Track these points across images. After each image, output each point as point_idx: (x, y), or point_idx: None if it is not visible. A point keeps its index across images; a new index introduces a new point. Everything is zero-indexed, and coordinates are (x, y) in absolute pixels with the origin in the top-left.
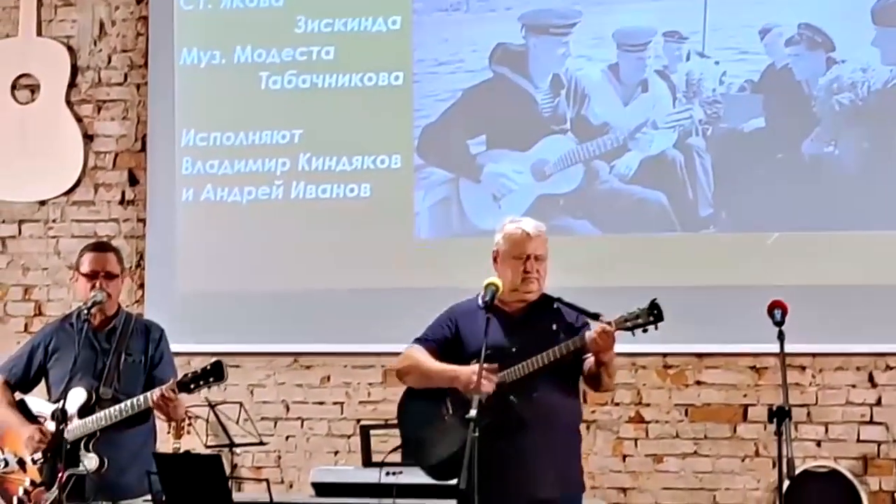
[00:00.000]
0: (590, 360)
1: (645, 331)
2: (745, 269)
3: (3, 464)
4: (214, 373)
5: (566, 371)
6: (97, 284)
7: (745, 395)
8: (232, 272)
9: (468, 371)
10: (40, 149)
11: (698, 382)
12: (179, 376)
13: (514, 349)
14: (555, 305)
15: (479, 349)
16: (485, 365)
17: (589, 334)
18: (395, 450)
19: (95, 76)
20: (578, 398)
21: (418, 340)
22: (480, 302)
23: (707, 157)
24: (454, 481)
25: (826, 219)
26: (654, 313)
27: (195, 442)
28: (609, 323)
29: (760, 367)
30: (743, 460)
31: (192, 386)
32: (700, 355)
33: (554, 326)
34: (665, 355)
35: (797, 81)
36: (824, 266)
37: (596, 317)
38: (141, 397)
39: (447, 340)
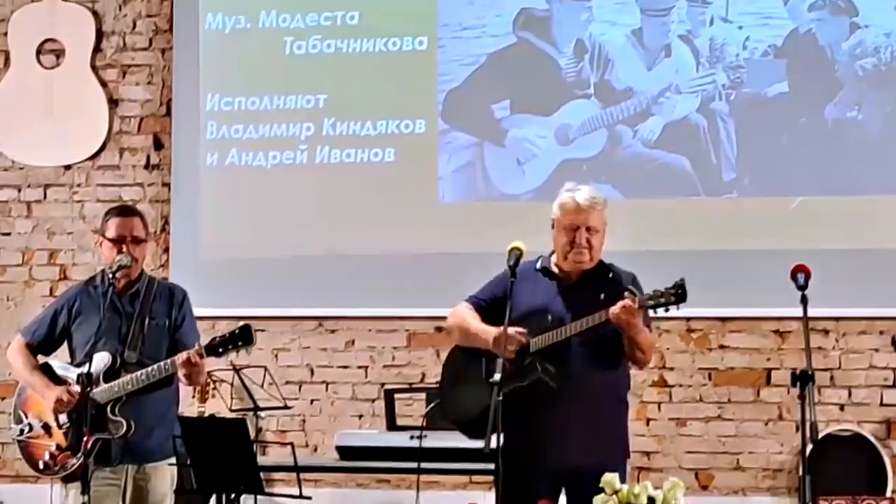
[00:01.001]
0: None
1: (667, 310)
2: (768, 234)
3: (27, 428)
4: (243, 336)
5: (607, 341)
6: (123, 249)
7: (768, 360)
8: (256, 236)
9: (496, 332)
10: (65, 113)
11: (722, 346)
12: (206, 340)
13: (557, 315)
14: (610, 275)
15: (524, 310)
16: (515, 329)
17: (611, 310)
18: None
19: (120, 41)
20: (619, 368)
21: (470, 297)
22: (538, 265)
23: (730, 122)
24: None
25: (849, 183)
26: (677, 293)
27: (220, 406)
28: (631, 299)
29: (783, 331)
30: (766, 424)
31: (220, 350)
32: (723, 319)
33: (602, 296)
34: (688, 319)
35: (820, 46)
36: (847, 230)
37: (630, 291)
38: (167, 361)
39: (496, 300)
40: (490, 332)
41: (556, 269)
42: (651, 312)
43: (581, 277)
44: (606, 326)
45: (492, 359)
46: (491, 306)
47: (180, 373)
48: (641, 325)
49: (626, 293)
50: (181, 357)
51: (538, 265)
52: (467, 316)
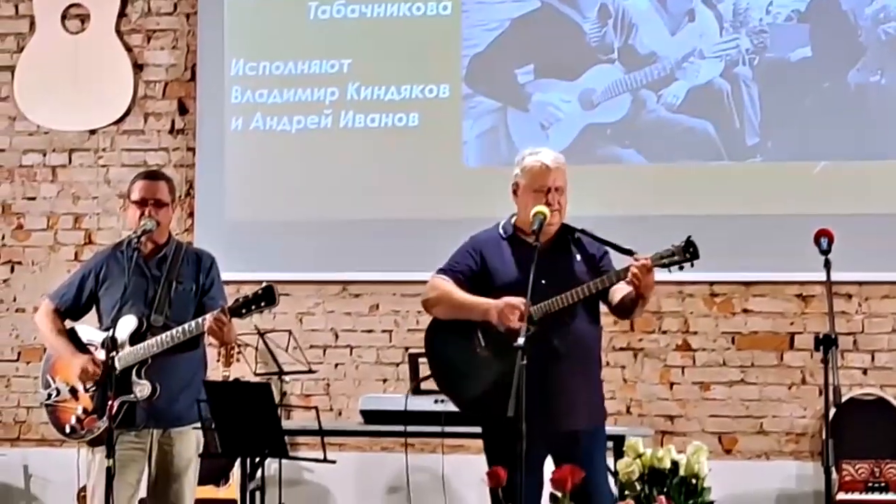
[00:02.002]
0: (623, 290)
1: (681, 268)
2: (792, 198)
3: (55, 392)
4: (266, 297)
5: (593, 300)
6: (147, 212)
7: (791, 324)
8: (281, 201)
9: (500, 304)
10: (90, 78)
11: (745, 311)
12: (230, 303)
13: (542, 282)
14: (576, 236)
15: (508, 281)
16: (518, 299)
17: (632, 271)
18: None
19: (145, 6)
20: (599, 324)
21: (443, 271)
22: (500, 231)
23: (754, 87)
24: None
25: (872, 147)
26: (689, 251)
27: (244, 370)
28: (645, 258)
29: (807, 295)
30: (789, 388)
31: (243, 311)
32: (747, 283)
33: (578, 257)
34: (712, 284)
35: (844, 11)
36: (870, 194)
37: (630, 252)
38: (193, 322)
39: (473, 272)
40: (485, 303)
41: (522, 236)
42: (664, 271)
43: (552, 240)
44: (605, 287)
45: (488, 330)
46: (469, 277)
47: (209, 333)
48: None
49: (634, 254)
50: (209, 318)
51: (502, 233)
52: (450, 289)
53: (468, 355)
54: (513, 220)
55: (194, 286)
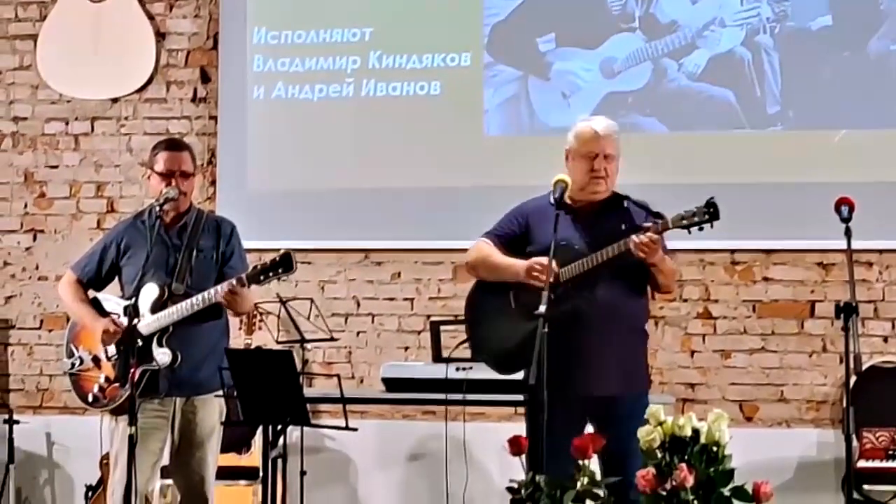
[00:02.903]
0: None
1: (701, 229)
2: (812, 166)
3: (78, 361)
4: (284, 264)
5: (632, 270)
6: (172, 183)
7: (812, 292)
8: (303, 169)
9: (526, 265)
10: (112, 47)
11: (766, 279)
12: (249, 270)
13: (581, 246)
14: (625, 204)
15: (547, 245)
16: (542, 259)
17: (633, 238)
18: (462, 343)
19: None
20: (643, 297)
21: (487, 234)
22: (551, 199)
23: (774, 56)
24: (518, 375)
25: (892, 116)
26: (709, 211)
27: (266, 338)
28: (656, 225)
29: (827, 263)
30: (810, 356)
31: (261, 277)
32: (767, 252)
33: (623, 226)
34: (733, 252)
35: None
36: (891, 162)
37: (658, 217)
38: (209, 291)
39: (515, 236)
40: (519, 264)
41: (570, 202)
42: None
43: (598, 208)
44: (630, 256)
45: (521, 290)
46: (511, 241)
47: (223, 303)
48: (662, 253)
49: (654, 221)
50: (222, 287)
51: (552, 199)
52: (491, 251)
53: (501, 316)
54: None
55: (215, 254)
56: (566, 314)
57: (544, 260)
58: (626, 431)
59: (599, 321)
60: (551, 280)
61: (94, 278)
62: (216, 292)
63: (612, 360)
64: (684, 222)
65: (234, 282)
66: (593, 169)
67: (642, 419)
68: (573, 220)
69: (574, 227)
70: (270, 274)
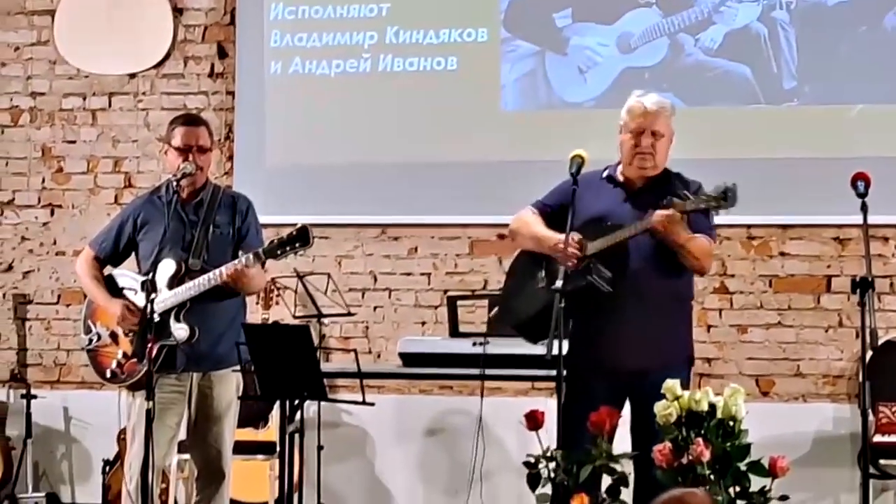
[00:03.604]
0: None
1: (717, 213)
2: (829, 141)
3: (96, 337)
4: (301, 238)
5: (667, 246)
6: (189, 158)
7: (828, 266)
8: (320, 144)
9: (556, 238)
10: (130, 22)
11: (782, 254)
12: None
13: (618, 221)
14: (675, 183)
15: (587, 217)
16: (573, 235)
17: (651, 218)
18: (493, 307)
19: None
20: (683, 273)
21: (534, 203)
22: (603, 173)
23: (791, 31)
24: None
25: None
26: (725, 196)
27: (283, 313)
28: (670, 208)
29: (844, 238)
30: (826, 331)
31: (278, 252)
32: (784, 227)
33: (665, 202)
34: (749, 227)
35: None
36: None
37: (670, 198)
38: (216, 272)
39: (561, 206)
40: (550, 237)
41: (620, 177)
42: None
43: (646, 185)
44: (656, 233)
45: (551, 263)
46: (556, 212)
47: (229, 283)
48: (683, 232)
49: (665, 201)
50: (228, 268)
51: (604, 173)
52: (531, 220)
53: (532, 284)
54: (618, 164)
55: (231, 230)
56: (586, 287)
57: (575, 235)
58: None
59: (633, 295)
60: (579, 255)
61: (111, 254)
62: (219, 274)
63: (646, 334)
64: (702, 206)
65: (241, 261)
66: (636, 145)
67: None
68: (621, 195)
69: (619, 203)
70: (287, 248)
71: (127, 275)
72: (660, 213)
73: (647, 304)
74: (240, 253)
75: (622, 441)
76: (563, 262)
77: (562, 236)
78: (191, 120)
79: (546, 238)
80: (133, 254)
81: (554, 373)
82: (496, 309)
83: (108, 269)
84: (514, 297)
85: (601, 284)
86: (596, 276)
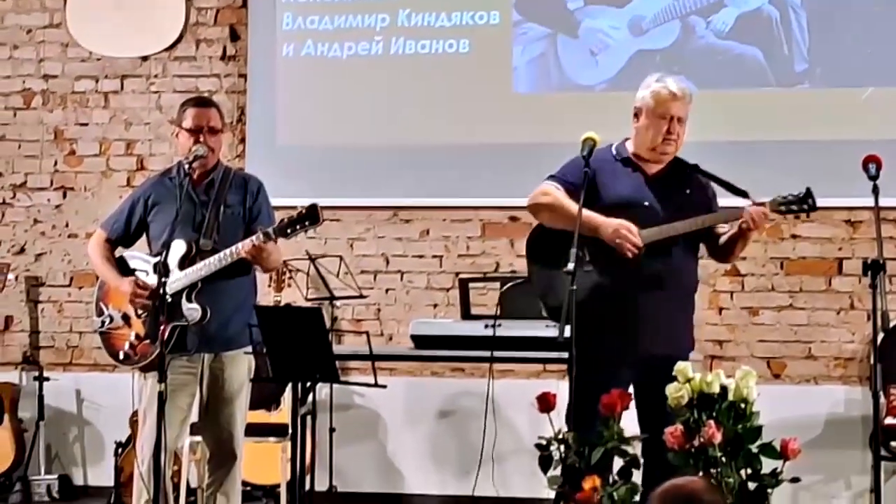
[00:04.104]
0: (727, 231)
1: (797, 217)
2: (840, 124)
3: (108, 319)
4: (310, 216)
5: (695, 237)
6: (200, 139)
7: (839, 249)
8: (332, 127)
9: (615, 224)
10: (142, 5)
11: (794, 236)
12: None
13: (654, 207)
14: (687, 169)
15: (616, 201)
16: (631, 225)
17: (748, 210)
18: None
19: None
20: (697, 261)
21: (554, 178)
22: (614, 152)
23: (802, 13)
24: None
25: None
26: (808, 201)
27: (296, 295)
28: (764, 204)
29: (855, 220)
30: (838, 313)
31: (288, 230)
32: None
33: (688, 191)
34: None
35: None
36: None
37: (744, 194)
38: (234, 247)
39: (576, 185)
40: (602, 220)
41: (635, 160)
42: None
43: (667, 171)
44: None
45: (595, 245)
46: (577, 190)
47: (248, 259)
48: None
49: (749, 196)
50: (246, 243)
51: (616, 154)
52: (563, 197)
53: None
54: (627, 144)
55: (242, 210)
56: (640, 276)
57: (633, 227)
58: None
59: (669, 285)
60: (640, 245)
61: (122, 235)
62: (239, 248)
63: (676, 322)
64: (781, 208)
65: (256, 238)
66: (669, 131)
67: None
68: (643, 180)
69: (646, 188)
70: (297, 227)
71: (138, 256)
72: (759, 211)
73: (680, 292)
74: (252, 233)
75: (626, 425)
76: (623, 250)
77: (616, 222)
78: (201, 102)
79: (593, 220)
80: (144, 235)
81: (566, 355)
82: (509, 285)
83: (119, 251)
84: (552, 281)
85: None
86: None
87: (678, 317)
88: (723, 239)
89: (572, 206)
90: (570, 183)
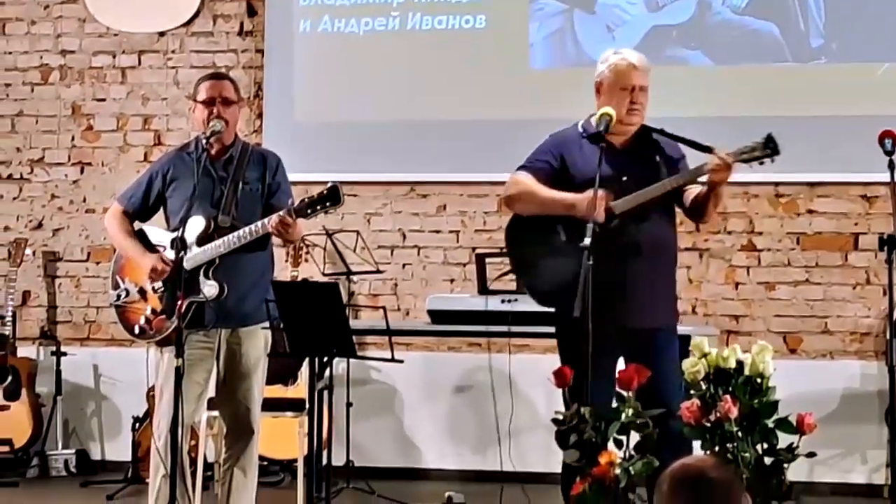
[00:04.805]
0: (695, 191)
1: (761, 163)
2: (856, 99)
3: (124, 293)
4: (331, 197)
5: (668, 203)
6: (214, 111)
7: (855, 224)
8: (348, 102)
9: (585, 198)
10: None
11: (810, 211)
12: (296, 203)
13: (623, 178)
14: (654, 136)
15: (589, 179)
16: (600, 192)
17: (711, 162)
18: (504, 274)
19: None
20: (675, 228)
21: (523, 168)
22: (580, 129)
23: None
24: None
25: None
26: (770, 146)
27: (313, 270)
28: (726, 155)
29: (871, 195)
30: (854, 288)
31: (308, 211)
32: (811, 184)
33: (657, 157)
34: (777, 184)
35: None
36: None
37: (709, 150)
38: (259, 223)
39: (553, 169)
40: (572, 197)
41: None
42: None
43: (632, 140)
44: (690, 182)
45: (571, 224)
46: (549, 174)
47: (274, 233)
48: None
49: (714, 151)
50: (273, 219)
51: (583, 132)
52: (534, 184)
53: (549, 250)
54: (592, 119)
55: (260, 186)
56: (617, 247)
57: (600, 193)
58: (661, 363)
59: (648, 253)
60: (605, 215)
61: (140, 209)
62: (266, 224)
63: (656, 292)
64: (744, 156)
65: (284, 213)
66: (633, 101)
67: (675, 351)
68: (609, 153)
69: (611, 161)
70: (318, 207)
71: (156, 231)
72: (717, 162)
73: (661, 260)
74: (270, 209)
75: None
76: (593, 219)
77: (586, 195)
78: (214, 75)
79: (563, 199)
80: (162, 209)
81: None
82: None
83: (137, 225)
84: (534, 266)
85: (633, 242)
86: (630, 234)
87: (659, 283)
88: (690, 198)
89: (547, 192)
90: (539, 169)
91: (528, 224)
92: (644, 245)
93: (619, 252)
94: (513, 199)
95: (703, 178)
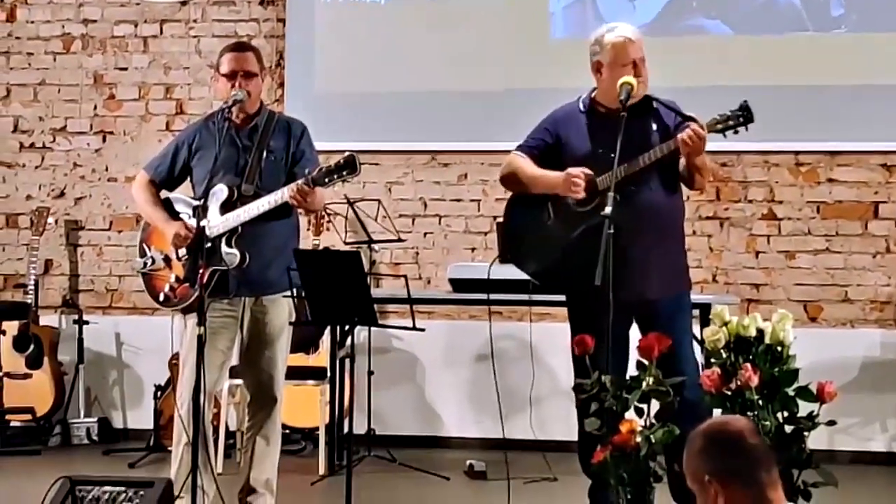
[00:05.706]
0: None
1: (736, 132)
2: (876, 69)
3: (150, 261)
4: (348, 166)
5: (669, 169)
6: (237, 84)
7: (875, 193)
8: (370, 71)
9: (561, 176)
10: None
11: (830, 180)
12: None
13: (611, 154)
14: (654, 105)
15: (580, 153)
16: (579, 169)
17: (680, 136)
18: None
19: None
20: (679, 196)
21: (519, 147)
22: (580, 105)
23: None
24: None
25: None
26: (743, 114)
27: (334, 239)
28: (700, 125)
29: (891, 164)
30: (874, 257)
31: (326, 180)
32: (832, 153)
33: (654, 127)
34: (797, 153)
35: None
36: None
37: (692, 119)
38: (279, 192)
39: (548, 146)
40: (553, 175)
41: (601, 109)
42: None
43: (630, 113)
44: (674, 155)
45: (558, 202)
46: (543, 152)
47: (292, 203)
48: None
49: (694, 121)
50: (292, 187)
51: (582, 106)
52: (522, 164)
53: (538, 228)
54: (592, 94)
55: (284, 155)
56: (620, 217)
57: (575, 170)
58: (670, 332)
59: (642, 226)
60: (584, 193)
61: (166, 178)
62: (284, 193)
63: (654, 264)
64: (719, 126)
65: (301, 182)
66: (636, 75)
67: (685, 318)
68: (607, 125)
69: (608, 134)
70: (335, 176)
71: (181, 199)
72: (691, 132)
73: (658, 232)
74: (295, 177)
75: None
76: (579, 193)
77: (567, 173)
78: (238, 46)
79: (545, 177)
80: (189, 179)
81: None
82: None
83: (163, 194)
84: (526, 246)
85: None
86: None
87: (657, 253)
88: (681, 167)
89: (532, 170)
90: (532, 147)
91: (523, 203)
92: (635, 216)
93: (623, 222)
94: (504, 179)
95: None
